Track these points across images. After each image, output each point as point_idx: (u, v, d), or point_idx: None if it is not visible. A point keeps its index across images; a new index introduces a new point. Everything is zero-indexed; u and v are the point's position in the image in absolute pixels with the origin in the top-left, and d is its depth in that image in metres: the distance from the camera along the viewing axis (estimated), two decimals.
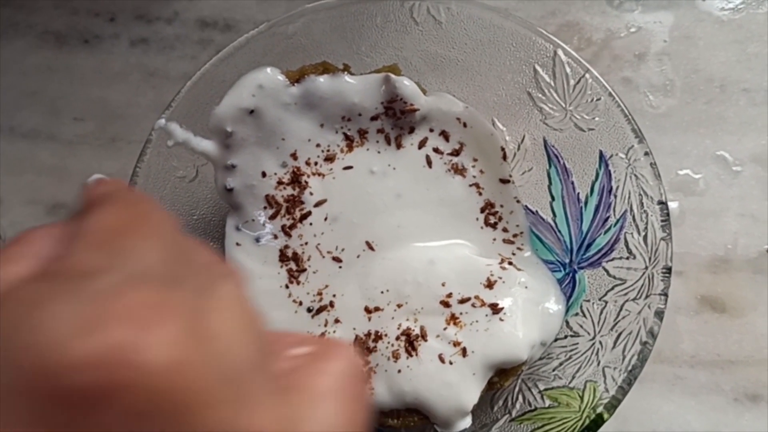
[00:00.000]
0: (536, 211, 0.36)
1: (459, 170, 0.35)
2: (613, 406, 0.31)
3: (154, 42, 0.44)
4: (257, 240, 0.34)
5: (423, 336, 0.33)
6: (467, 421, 0.31)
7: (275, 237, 0.34)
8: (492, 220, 0.35)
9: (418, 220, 0.35)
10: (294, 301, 0.34)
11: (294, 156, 0.35)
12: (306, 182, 0.35)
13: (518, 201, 0.35)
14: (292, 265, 0.34)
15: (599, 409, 0.31)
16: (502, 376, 0.33)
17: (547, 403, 0.33)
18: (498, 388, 0.33)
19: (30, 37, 0.44)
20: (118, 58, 0.44)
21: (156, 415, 0.11)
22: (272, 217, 0.34)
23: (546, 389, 0.34)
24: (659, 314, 0.31)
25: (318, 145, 0.35)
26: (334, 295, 0.34)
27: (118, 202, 0.15)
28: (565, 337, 0.34)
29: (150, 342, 0.11)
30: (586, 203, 0.35)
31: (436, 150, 0.35)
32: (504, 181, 0.36)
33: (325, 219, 0.34)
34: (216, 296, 0.13)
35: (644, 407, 0.37)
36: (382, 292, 0.34)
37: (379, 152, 0.35)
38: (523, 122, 0.36)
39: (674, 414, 0.37)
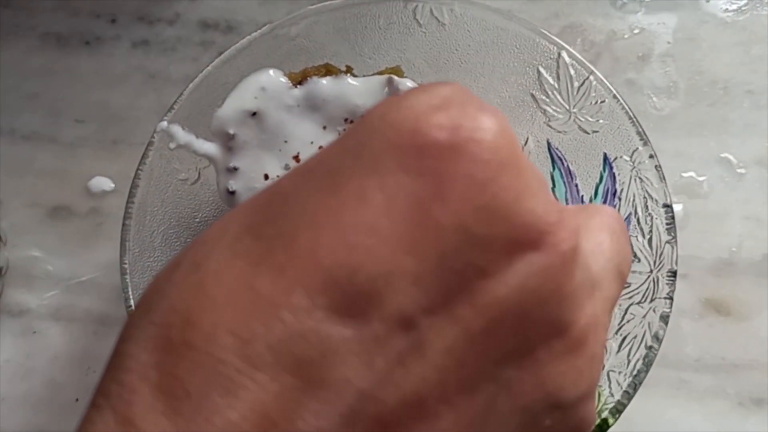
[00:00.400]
0: None
1: None
2: (618, 411, 0.30)
3: (156, 44, 0.44)
4: None
5: None
6: None
7: None
8: None
9: None
10: None
11: (296, 158, 0.34)
12: None
13: None
14: None
15: (604, 414, 0.31)
16: None
17: None
18: None
19: (31, 39, 0.44)
20: (120, 60, 0.44)
21: (488, 165, 0.15)
22: None
23: None
24: (664, 318, 0.31)
25: (321, 148, 0.35)
26: None
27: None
28: None
29: (484, 117, 0.16)
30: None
31: None
32: None
33: None
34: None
35: (648, 411, 0.37)
36: None
37: None
38: (527, 124, 0.36)
39: (679, 418, 0.37)
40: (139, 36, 0.44)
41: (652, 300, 0.32)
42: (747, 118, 0.42)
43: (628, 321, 0.32)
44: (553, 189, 0.36)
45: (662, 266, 0.32)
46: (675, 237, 0.32)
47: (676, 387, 0.38)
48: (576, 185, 0.35)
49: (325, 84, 0.34)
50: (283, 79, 0.34)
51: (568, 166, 0.35)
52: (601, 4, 0.44)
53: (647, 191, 0.33)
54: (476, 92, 0.37)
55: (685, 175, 0.41)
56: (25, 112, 0.43)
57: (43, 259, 0.40)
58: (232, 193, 0.34)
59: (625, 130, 0.34)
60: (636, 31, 0.43)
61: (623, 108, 0.34)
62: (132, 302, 0.32)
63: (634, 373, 0.31)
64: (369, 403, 0.15)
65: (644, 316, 0.32)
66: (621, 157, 0.34)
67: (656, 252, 0.32)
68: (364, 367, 0.15)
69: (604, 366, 0.32)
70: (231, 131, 0.34)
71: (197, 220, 0.36)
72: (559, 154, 0.36)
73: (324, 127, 0.35)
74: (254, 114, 0.34)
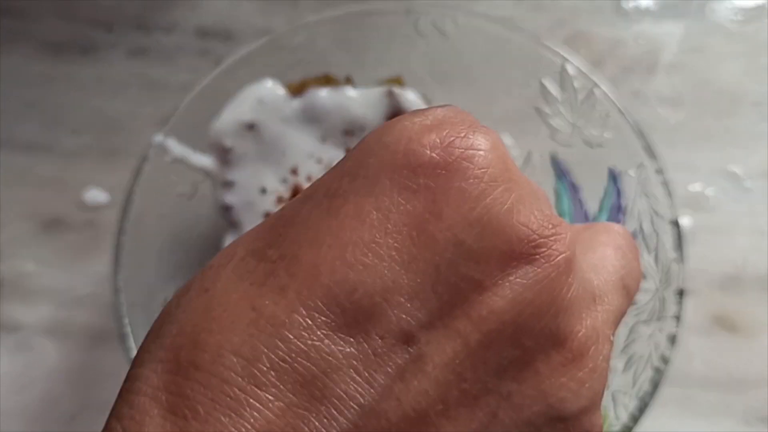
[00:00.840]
0: None
1: None
2: None
3: (154, 52, 0.43)
4: None
5: None
6: None
7: None
8: None
9: None
10: None
11: (294, 171, 0.34)
12: None
13: None
14: None
15: None
16: None
17: None
18: None
19: (28, 47, 0.44)
20: (117, 68, 0.43)
21: (480, 180, 0.16)
22: None
23: None
24: (672, 339, 0.30)
25: (320, 161, 0.34)
26: None
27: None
28: None
29: (475, 135, 0.17)
30: (594, 221, 0.34)
31: None
32: None
33: None
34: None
35: (654, 429, 0.36)
36: None
37: None
38: (531, 137, 0.36)
39: None
40: (137, 44, 0.43)
41: (659, 319, 0.31)
42: (754, 130, 0.41)
43: (634, 340, 0.32)
44: (557, 203, 0.35)
45: (669, 284, 0.31)
46: (682, 255, 0.31)
47: (681, 404, 0.37)
48: (580, 200, 0.35)
49: (324, 96, 0.34)
50: (281, 91, 0.33)
51: (572, 180, 0.35)
52: (606, 13, 0.43)
53: (653, 207, 0.32)
54: (480, 104, 0.36)
55: (690, 187, 0.40)
56: (22, 122, 0.42)
57: (38, 273, 0.39)
58: (229, 207, 0.33)
59: (631, 144, 0.33)
60: (641, 41, 0.43)
61: (629, 121, 0.33)
62: (126, 320, 0.31)
63: (641, 394, 0.30)
64: (371, 418, 0.15)
65: (650, 336, 0.31)
66: (627, 171, 0.33)
67: (663, 270, 0.32)
68: (364, 383, 0.15)
69: (609, 386, 0.32)
70: (228, 144, 0.33)
71: (194, 235, 0.35)
72: (564, 168, 0.35)
73: (323, 139, 0.34)
74: (252, 126, 0.33)
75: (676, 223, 0.32)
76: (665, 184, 0.32)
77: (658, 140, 0.34)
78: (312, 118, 0.34)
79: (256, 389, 0.15)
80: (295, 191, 0.34)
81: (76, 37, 0.44)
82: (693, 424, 0.37)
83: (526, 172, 0.36)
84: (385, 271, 0.16)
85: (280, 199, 0.34)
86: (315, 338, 0.15)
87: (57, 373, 0.38)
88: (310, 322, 0.15)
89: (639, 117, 0.33)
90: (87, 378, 0.38)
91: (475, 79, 0.36)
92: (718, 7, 0.43)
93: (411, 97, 0.34)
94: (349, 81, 0.35)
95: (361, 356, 0.15)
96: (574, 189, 0.35)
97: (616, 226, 0.21)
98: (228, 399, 0.15)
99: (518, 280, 0.16)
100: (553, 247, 0.17)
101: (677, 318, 0.31)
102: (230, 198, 0.33)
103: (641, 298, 0.32)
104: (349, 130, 0.34)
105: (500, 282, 0.16)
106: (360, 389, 0.15)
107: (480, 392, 0.16)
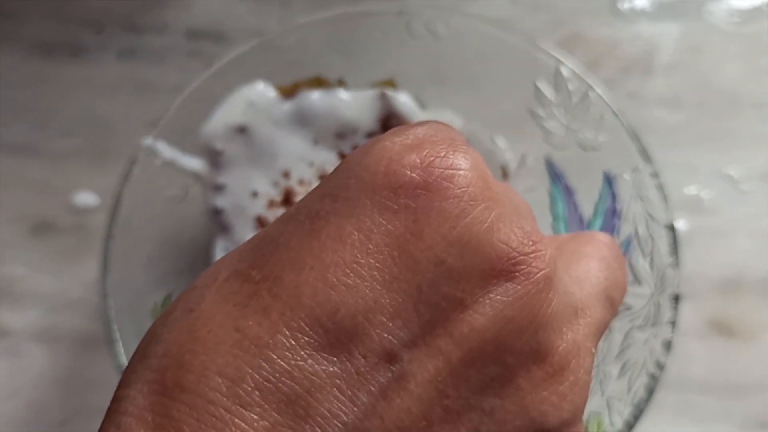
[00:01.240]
0: None
1: None
2: None
3: (144, 54, 0.43)
4: None
5: None
6: None
7: None
8: None
9: None
10: None
11: (286, 175, 0.33)
12: None
13: None
14: None
15: None
16: None
17: None
18: None
19: (17, 48, 0.43)
20: (107, 70, 0.43)
21: (460, 199, 0.17)
22: None
23: None
24: (667, 345, 0.30)
25: (312, 164, 0.34)
26: None
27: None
28: None
29: (455, 154, 0.17)
30: (589, 225, 0.34)
31: None
32: None
33: None
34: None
35: None
36: None
37: None
38: (525, 140, 0.35)
39: None
40: (128, 45, 0.43)
41: (654, 325, 0.31)
42: (752, 132, 0.41)
43: (629, 346, 0.31)
44: (552, 206, 0.35)
45: (664, 289, 0.31)
46: (678, 259, 0.31)
47: (679, 409, 0.37)
48: (575, 203, 0.34)
49: (315, 98, 0.33)
50: (273, 93, 0.33)
51: (566, 183, 0.34)
52: (603, 14, 0.43)
53: (649, 211, 0.32)
54: (474, 106, 0.36)
55: (688, 190, 0.40)
56: (10, 124, 0.42)
57: (27, 277, 0.39)
58: (219, 211, 0.33)
59: (626, 147, 0.32)
60: (638, 41, 0.42)
61: (623, 124, 0.33)
62: (115, 325, 0.31)
63: (636, 401, 0.30)
64: None
65: (646, 342, 0.31)
66: (622, 175, 0.33)
67: (658, 274, 0.31)
68: (348, 402, 0.15)
69: (604, 392, 0.31)
70: (218, 147, 0.33)
71: (184, 239, 0.35)
72: (558, 171, 0.35)
73: (315, 142, 0.34)
74: (242, 129, 0.33)
75: (671, 227, 0.31)
76: (660, 188, 0.32)
77: (654, 142, 0.34)
78: (304, 120, 0.33)
79: (241, 409, 0.15)
80: (287, 195, 0.33)
81: (66, 38, 0.43)
82: (690, 430, 0.36)
83: (520, 175, 0.35)
84: (367, 291, 0.16)
85: (271, 203, 0.33)
86: (299, 358, 0.15)
87: (46, 379, 0.37)
88: (293, 342, 0.15)
89: (635, 119, 0.33)
90: (76, 383, 0.37)
91: (468, 81, 0.35)
92: (715, 8, 0.43)
93: (403, 100, 0.33)
94: (341, 83, 0.35)
95: (344, 375, 0.15)
96: (568, 192, 0.34)
97: (601, 236, 0.22)
98: (213, 419, 0.15)
99: (499, 297, 0.16)
100: (533, 264, 0.17)
101: (673, 323, 0.30)
102: (221, 201, 0.33)
103: (636, 303, 0.32)
104: (341, 132, 0.34)
105: (481, 300, 0.16)
106: (344, 408, 0.15)
107: (463, 409, 0.16)
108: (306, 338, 0.16)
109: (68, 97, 0.42)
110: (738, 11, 0.43)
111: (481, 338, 0.16)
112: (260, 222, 0.33)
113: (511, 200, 0.18)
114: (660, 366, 0.30)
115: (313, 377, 0.15)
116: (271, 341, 0.15)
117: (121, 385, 0.17)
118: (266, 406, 0.15)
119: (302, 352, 0.15)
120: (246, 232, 0.33)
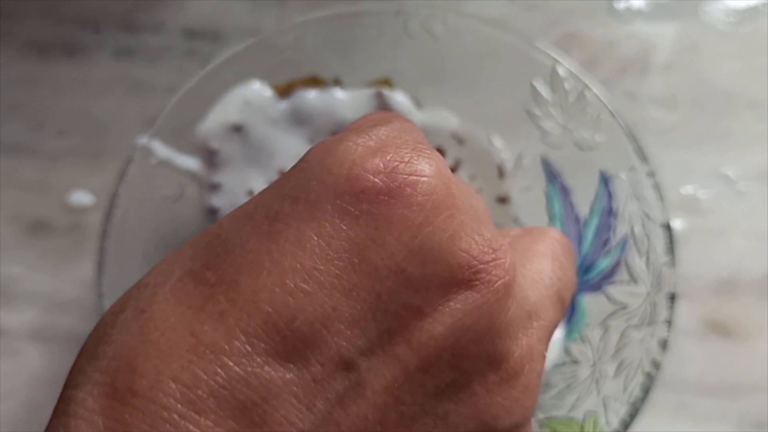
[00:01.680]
0: None
1: None
2: None
3: (140, 53, 0.43)
4: None
5: None
6: None
7: None
8: None
9: None
10: None
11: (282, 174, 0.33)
12: None
13: (516, 221, 0.34)
14: None
15: None
16: None
17: None
18: None
19: (12, 47, 0.43)
20: (103, 69, 0.42)
21: (423, 207, 0.16)
22: None
23: (545, 419, 0.32)
24: (663, 344, 0.30)
25: None
26: None
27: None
28: (564, 363, 0.33)
29: (419, 160, 0.17)
30: (586, 224, 0.34)
31: None
32: (502, 200, 0.34)
33: None
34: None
35: None
36: None
37: None
38: (522, 139, 0.35)
39: None
40: (123, 45, 0.43)
41: (650, 324, 0.31)
42: (749, 132, 0.41)
43: (625, 345, 0.31)
44: (548, 206, 0.35)
45: (661, 288, 0.31)
46: (674, 259, 0.31)
47: (675, 410, 0.37)
48: (571, 202, 0.34)
49: (312, 97, 0.33)
50: (269, 92, 0.33)
51: (563, 182, 0.34)
52: (599, 14, 0.43)
53: (645, 211, 0.32)
54: (470, 106, 0.36)
55: (684, 189, 0.40)
56: (5, 124, 0.42)
57: (23, 277, 0.38)
58: (215, 210, 0.33)
59: (623, 146, 0.32)
60: (634, 41, 0.42)
61: (620, 124, 0.33)
62: None
63: (631, 400, 0.30)
64: None
65: (641, 341, 0.31)
66: (618, 174, 0.33)
67: (654, 274, 0.31)
68: (304, 409, 0.15)
69: (600, 391, 0.31)
70: (214, 146, 0.33)
71: (180, 238, 0.35)
72: (555, 170, 0.35)
73: (311, 141, 0.33)
74: (238, 128, 0.33)
75: (667, 227, 0.31)
76: (657, 187, 0.32)
77: (651, 142, 0.34)
78: (300, 119, 0.33)
79: (195, 416, 0.15)
80: None
81: (62, 37, 0.43)
82: (686, 430, 0.36)
83: (517, 174, 0.35)
84: (326, 299, 0.16)
85: None
86: (255, 365, 0.15)
87: (42, 379, 0.37)
88: (249, 348, 0.15)
89: (632, 119, 0.33)
90: None
91: (465, 80, 0.35)
92: (711, 8, 0.43)
93: (400, 99, 0.33)
94: (337, 82, 0.35)
95: (300, 383, 0.15)
96: (565, 192, 0.34)
97: (552, 232, 0.22)
98: (167, 426, 0.15)
99: (458, 306, 0.16)
100: (493, 272, 0.17)
101: (669, 323, 0.30)
102: (217, 201, 0.33)
103: (632, 302, 0.32)
104: (337, 132, 0.34)
105: (440, 308, 0.16)
106: (300, 415, 0.15)
107: (417, 414, 0.16)
108: (263, 345, 0.15)
109: (64, 97, 0.42)
110: (734, 11, 0.43)
111: (438, 346, 0.16)
112: None
113: (472, 205, 0.18)
114: (656, 365, 0.30)
115: (270, 384, 0.15)
116: (227, 347, 0.15)
117: (69, 385, 0.16)
118: (221, 413, 0.15)
119: (259, 359, 0.15)
120: None
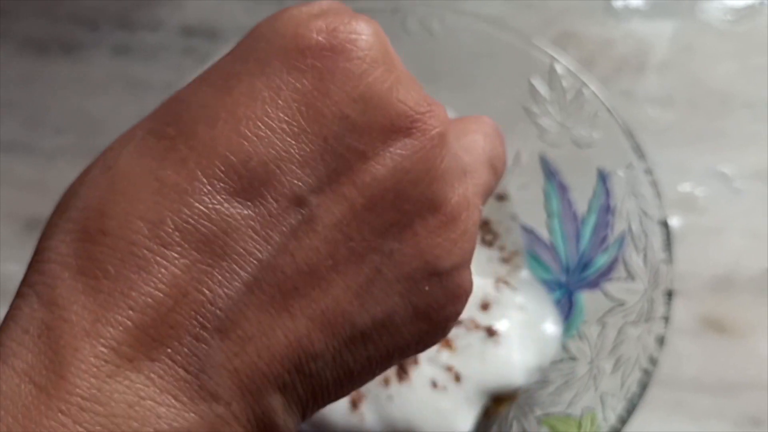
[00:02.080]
0: (532, 229, 0.35)
1: None
2: None
3: (138, 51, 0.43)
4: None
5: (415, 360, 0.32)
6: None
7: None
8: (488, 238, 0.34)
9: None
10: None
11: None
12: None
13: (514, 219, 0.35)
14: None
15: None
16: (497, 402, 0.32)
17: (544, 430, 0.32)
18: (493, 414, 0.32)
19: (9, 45, 0.43)
20: (100, 67, 0.42)
21: (363, 60, 0.18)
22: None
23: (542, 415, 0.32)
24: (660, 340, 0.30)
25: None
26: None
27: None
28: (562, 360, 0.33)
29: (357, 21, 0.18)
30: (583, 221, 0.34)
31: None
32: (500, 198, 0.34)
33: None
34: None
35: None
36: None
37: None
38: (519, 137, 0.35)
39: None
40: (121, 43, 0.43)
41: (647, 320, 0.31)
42: (745, 131, 0.41)
43: (622, 342, 0.31)
44: (546, 203, 0.35)
45: (658, 285, 0.31)
46: (671, 256, 0.31)
47: (672, 407, 0.37)
48: (569, 200, 0.34)
49: None
50: None
51: (561, 180, 0.34)
52: (596, 12, 0.43)
53: (642, 208, 0.32)
54: (468, 103, 0.36)
55: (681, 188, 0.40)
56: (2, 121, 0.42)
57: (21, 274, 0.38)
58: None
59: (620, 144, 0.33)
60: (631, 40, 0.43)
61: (617, 121, 0.33)
62: None
63: (629, 396, 0.30)
64: (268, 272, 0.17)
65: (639, 337, 0.31)
66: (615, 172, 0.33)
67: (651, 271, 0.31)
68: (262, 241, 0.17)
69: (597, 387, 0.31)
70: None
71: None
72: (553, 168, 0.35)
73: None
74: None
75: (664, 224, 0.31)
76: (654, 185, 0.32)
77: (648, 140, 0.34)
78: None
79: (162, 248, 0.16)
80: None
81: (59, 35, 0.43)
82: (683, 427, 0.36)
83: (514, 172, 0.35)
84: (278, 142, 0.17)
85: None
86: (216, 202, 0.17)
87: None
88: (210, 188, 0.17)
89: (629, 117, 0.33)
90: None
91: (463, 78, 0.36)
92: (708, 6, 0.43)
93: None
94: None
95: (258, 217, 0.17)
96: (562, 189, 0.34)
97: (484, 118, 0.24)
98: (136, 258, 0.16)
99: (398, 151, 0.18)
100: (429, 122, 0.19)
101: (666, 319, 0.30)
102: None
103: (630, 298, 0.32)
104: None
105: (382, 152, 0.18)
106: (258, 246, 0.17)
107: (365, 250, 0.18)
108: (222, 184, 0.17)
109: (61, 95, 0.42)
110: (731, 9, 0.43)
111: (381, 187, 0.18)
112: None
113: (407, 71, 0.19)
114: (653, 361, 0.30)
115: (230, 219, 0.17)
116: (189, 187, 0.17)
117: (43, 239, 0.17)
118: (186, 245, 0.16)
119: (219, 197, 0.17)
120: None
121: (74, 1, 0.44)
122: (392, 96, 0.18)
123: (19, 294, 0.17)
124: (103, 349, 0.15)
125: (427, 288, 0.19)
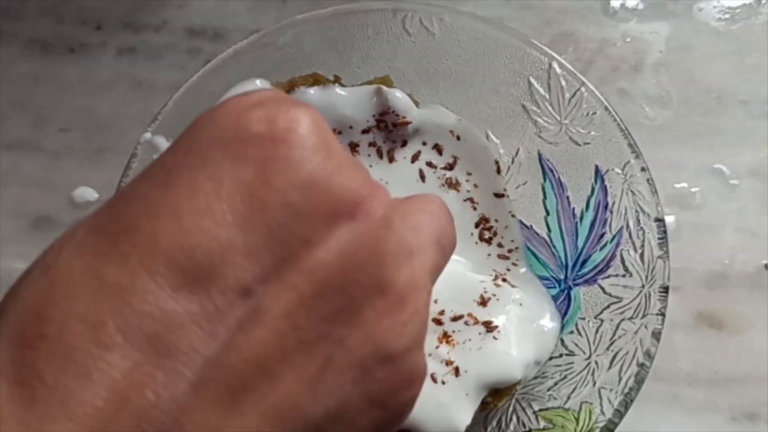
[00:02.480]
0: (530, 226, 0.36)
1: (453, 185, 0.35)
2: (609, 429, 0.30)
3: (142, 51, 0.43)
4: None
5: None
6: None
7: None
8: (487, 235, 0.35)
9: None
10: None
11: None
12: None
13: (513, 216, 0.35)
14: None
15: None
16: (496, 396, 0.32)
17: (542, 424, 0.32)
18: (491, 408, 0.32)
19: (15, 45, 0.44)
20: (105, 67, 0.43)
21: (303, 149, 0.18)
22: None
23: (541, 410, 0.33)
24: (656, 335, 0.31)
25: None
26: None
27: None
28: (560, 355, 0.34)
29: (296, 110, 0.18)
30: (581, 218, 0.34)
31: (429, 164, 0.35)
32: (498, 196, 0.35)
33: None
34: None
35: (640, 426, 0.36)
36: None
37: (371, 166, 0.34)
38: (518, 135, 0.36)
39: None
40: (126, 43, 0.43)
41: (643, 316, 0.31)
42: (740, 129, 0.41)
43: (619, 337, 0.32)
44: (544, 200, 0.35)
45: (654, 281, 0.32)
46: (667, 252, 0.32)
47: (668, 401, 0.37)
48: (567, 197, 0.35)
49: (312, 94, 0.34)
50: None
51: (559, 177, 0.35)
52: (593, 12, 0.43)
53: (639, 205, 0.32)
54: (467, 102, 0.36)
55: (677, 186, 0.41)
56: (8, 121, 0.42)
57: None
58: None
59: (617, 142, 0.33)
60: (628, 39, 0.43)
61: (615, 120, 0.33)
62: None
63: (626, 390, 0.30)
64: (215, 369, 0.16)
65: (636, 332, 0.31)
66: (613, 169, 0.33)
67: (648, 267, 0.32)
68: (207, 337, 0.16)
69: (595, 382, 0.32)
70: None
71: None
72: (550, 166, 0.35)
73: None
74: None
75: (661, 221, 0.32)
76: (650, 182, 0.32)
77: (645, 139, 0.34)
78: None
79: (103, 352, 0.16)
80: None
81: (64, 36, 0.44)
82: (679, 421, 0.37)
83: (512, 169, 0.36)
84: (221, 234, 0.17)
85: None
86: (159, 299, 0.16)
87: None
88: (153, 284, 0.16)
89: (626, 116, 0.34)
90: None
91: (462, 77, 0.36)
92: (705, 6, 0.43)
93: (399, 95, 0.34)
94: (337, 80, 0.35)
95: (203, 312, 0.16)
96: (560, 187, 0.35)
97: (431, 197, 0.23)
98: (76, 364, 0.15)
99: (342, 235, 0.18)
100: (372, 205, 0.19)
101: (662, 314, 0.31)
102: None
103: (626, 294, 0.32)
104: (338, 128, 0.34)
105: (327, 237, 0.18)
106: (203, 342, 0.16)
107: (315, 338, 0.18)
108: (165, 280, 0.16)
109: (66, 94, 0.43)
110: (728, 9, 0.43)
111: (328, 272, 0.18)
112: None
113: (348, 154, 0.20)
114: (649, 355, 0.30)
115: (174, 316, 0.16)
116: (131, 285, 0.16)
117: None
118: (128, 346, 0.16)
119: (162, 293, 0.16)
120: None
121: (80, 2, 0.44)
122: (334, 181, 0.18)
123: None
124: None
125: (380, 374, 0.18)
